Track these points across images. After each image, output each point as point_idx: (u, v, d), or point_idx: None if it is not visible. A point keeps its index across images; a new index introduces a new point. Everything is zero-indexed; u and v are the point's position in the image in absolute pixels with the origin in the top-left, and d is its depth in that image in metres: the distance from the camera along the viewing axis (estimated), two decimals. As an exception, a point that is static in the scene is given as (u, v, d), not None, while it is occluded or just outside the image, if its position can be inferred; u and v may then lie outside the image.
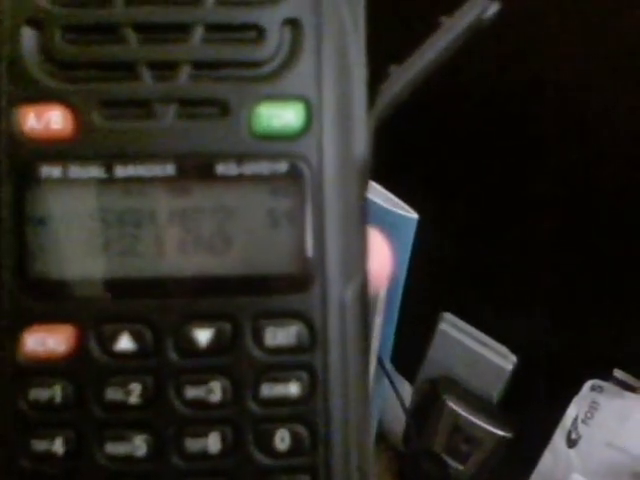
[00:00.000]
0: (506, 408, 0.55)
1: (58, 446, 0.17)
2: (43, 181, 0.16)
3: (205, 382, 0.17)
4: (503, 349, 0.55)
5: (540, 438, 0.51)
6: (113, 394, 0.17)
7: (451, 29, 0.19)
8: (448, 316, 0.56)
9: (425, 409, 0.57)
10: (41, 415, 0.17)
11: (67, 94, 0.16)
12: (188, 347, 0.17)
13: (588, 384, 0.48)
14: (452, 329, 0.56)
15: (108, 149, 0.16)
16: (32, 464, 0.17)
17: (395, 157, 0.53)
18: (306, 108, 0.17)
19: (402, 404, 0.55)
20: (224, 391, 0.17)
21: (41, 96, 0.16)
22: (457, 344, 0.56)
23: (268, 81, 0.17)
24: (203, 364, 0.17)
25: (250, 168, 0.17)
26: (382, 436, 0.61)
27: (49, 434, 0.17)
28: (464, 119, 0.51)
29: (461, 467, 0.56)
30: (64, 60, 0.16)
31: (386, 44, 0.20)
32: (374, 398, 0.55)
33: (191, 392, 0.17)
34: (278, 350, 0.17)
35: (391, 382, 0.55)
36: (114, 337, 0.17)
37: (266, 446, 0.17)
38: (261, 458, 0.17)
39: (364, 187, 0.17)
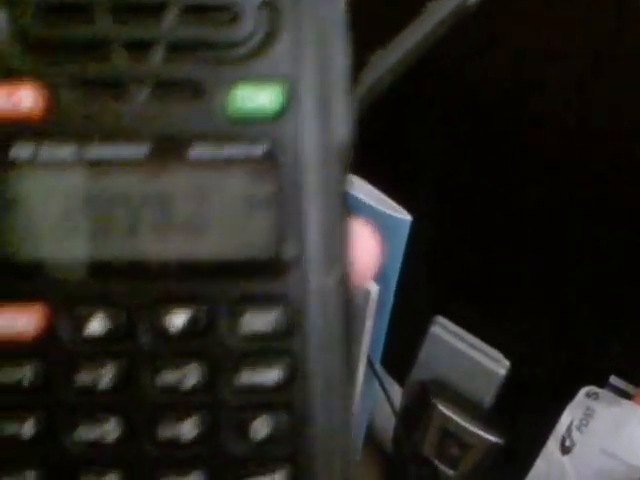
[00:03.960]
0: (498, 413, 0.54)
1: (26, 430, 0.16)
2: (12, 162, 0.16)
3: (179, 367, 0.16)
4: (496, 354, 0.54)
5: (533, 445, 0.50)
6: (84, 378, 0.16)
7: (435, 14, 0.18)
8: (440, 319, 0.56)
9: (415, 412, 0.56)
10: (10, 399, 0.16)
11: (38, 73, 0.16)
12: (162, 331, 0.16)
13: (583, 391, 0.48)
14: (444, 332, 0.56)
15: (80, 130, 0.16)
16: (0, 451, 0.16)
17: (390, 158, 0.52)
18: (283, 90, 0.16)
19: (392, 407, 0.55)
20: (199, 377, 0.16)
21: (11, 74, 0.16)
22: (449, 348, 0.55)
23: (244, 63, 0.16)
24: (177, 349, 0.16)
25: (225, 151, 0.16)
26: (371, 439, 0.60)
27: (18, 418, 0.16)
28: (459, 122, 0.51)
29: (451, 472, 0.55)
30: (36, 39, 0.16)
31: (370, 28, 0.19)
32: (364, 400, 0.54)
33: (165, 377, 0.16)
34: (255, 336, 0.16)
35: (381, 384, 0.54)
36: (85, 319, 0.16)
37: (242, 434, 0.17)
38: (237, 447, 0.17)
39: (345, 173, 0.17)
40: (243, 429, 0.17)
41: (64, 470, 0.17)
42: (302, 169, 0.16)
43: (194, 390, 0.16)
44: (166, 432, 0.16)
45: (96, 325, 0.16)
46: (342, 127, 0.17)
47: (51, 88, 0.16)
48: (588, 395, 0.48)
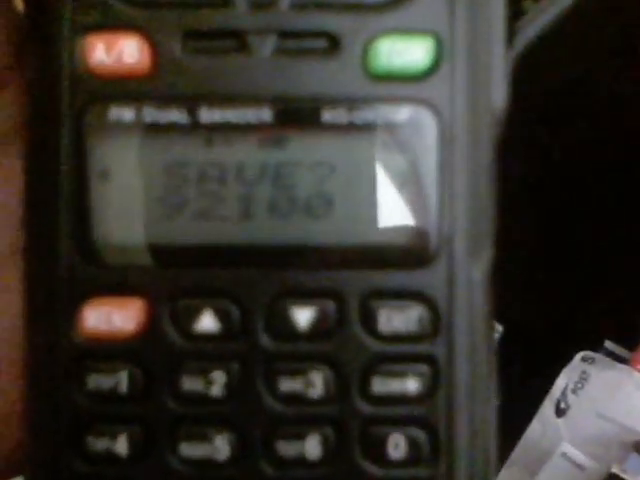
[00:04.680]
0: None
1: (121, 445, 0.14)
2: (111, 125, 0.14)
3: (303, 372, 0.14)
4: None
5: (528, 408, 0.50)
6: (190, 383, 0.14)
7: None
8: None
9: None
10: (101, 407, 0.14)
11: (144, 21, 0.14)
12: (283, 329, 0.14)
13: (579, 355, 0.48)
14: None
15: (191, 88, 0.14)
16: (88, 467, 0.14)
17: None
18: (435, 44, 0.14)
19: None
20: (326, 384, 0.14)
21: (112, 23, 0.14)
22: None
23: (388, 10, 0.14)
24: (301, 350, 0.14)
25: (364, 115, 0.14)
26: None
27: (111, 431, 0.14)
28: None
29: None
30: None
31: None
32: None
33: (286, 384, 0.14)
34: (393, 337, 0.14)
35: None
36: (193, 314, 0.14)
37: (377, 453, 0.14)
38: (370, 467, 0.14)
39: (496, 145, 0.15)
40: (376, 447, 0.14)
41: None
42: (452, 138, 0.14)
43: (320, 400, 0.14)
44: (287, 450, 0.14)
45: (206, 321, 0.14)
46: (500, 89, 0.14)
47: (158, 40, 0.14)
48: (584, 359, 0.48)
